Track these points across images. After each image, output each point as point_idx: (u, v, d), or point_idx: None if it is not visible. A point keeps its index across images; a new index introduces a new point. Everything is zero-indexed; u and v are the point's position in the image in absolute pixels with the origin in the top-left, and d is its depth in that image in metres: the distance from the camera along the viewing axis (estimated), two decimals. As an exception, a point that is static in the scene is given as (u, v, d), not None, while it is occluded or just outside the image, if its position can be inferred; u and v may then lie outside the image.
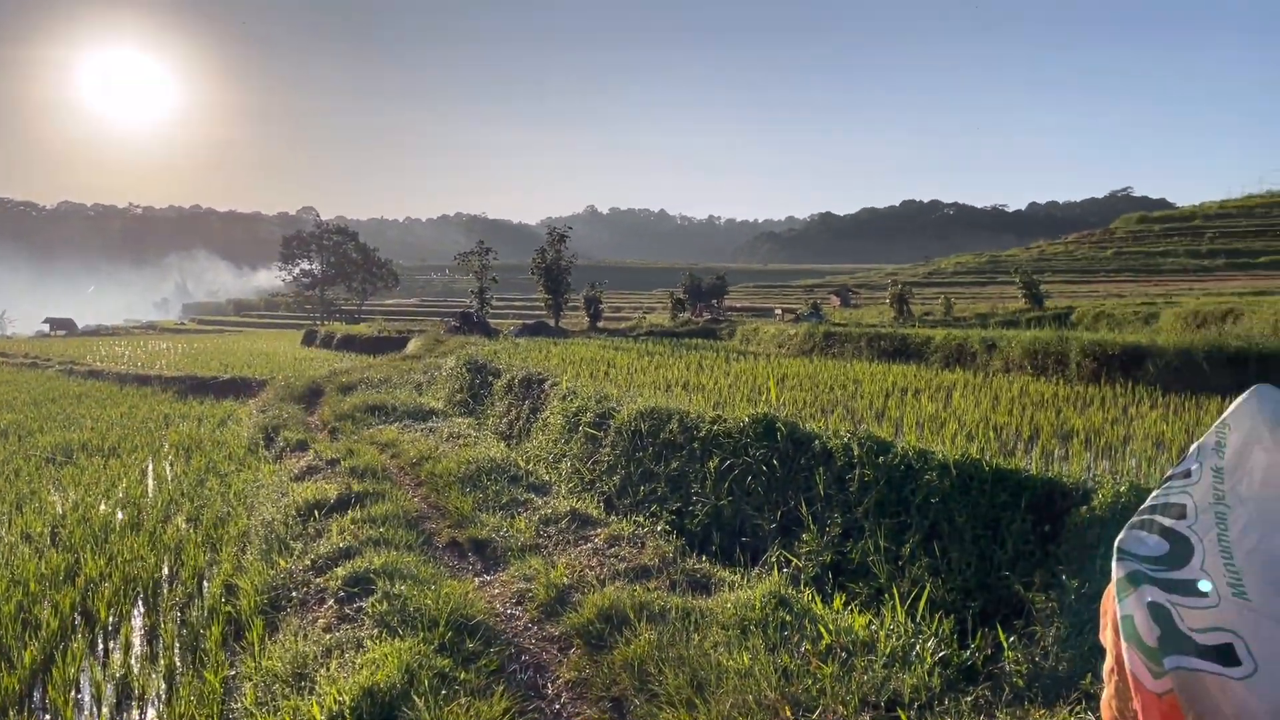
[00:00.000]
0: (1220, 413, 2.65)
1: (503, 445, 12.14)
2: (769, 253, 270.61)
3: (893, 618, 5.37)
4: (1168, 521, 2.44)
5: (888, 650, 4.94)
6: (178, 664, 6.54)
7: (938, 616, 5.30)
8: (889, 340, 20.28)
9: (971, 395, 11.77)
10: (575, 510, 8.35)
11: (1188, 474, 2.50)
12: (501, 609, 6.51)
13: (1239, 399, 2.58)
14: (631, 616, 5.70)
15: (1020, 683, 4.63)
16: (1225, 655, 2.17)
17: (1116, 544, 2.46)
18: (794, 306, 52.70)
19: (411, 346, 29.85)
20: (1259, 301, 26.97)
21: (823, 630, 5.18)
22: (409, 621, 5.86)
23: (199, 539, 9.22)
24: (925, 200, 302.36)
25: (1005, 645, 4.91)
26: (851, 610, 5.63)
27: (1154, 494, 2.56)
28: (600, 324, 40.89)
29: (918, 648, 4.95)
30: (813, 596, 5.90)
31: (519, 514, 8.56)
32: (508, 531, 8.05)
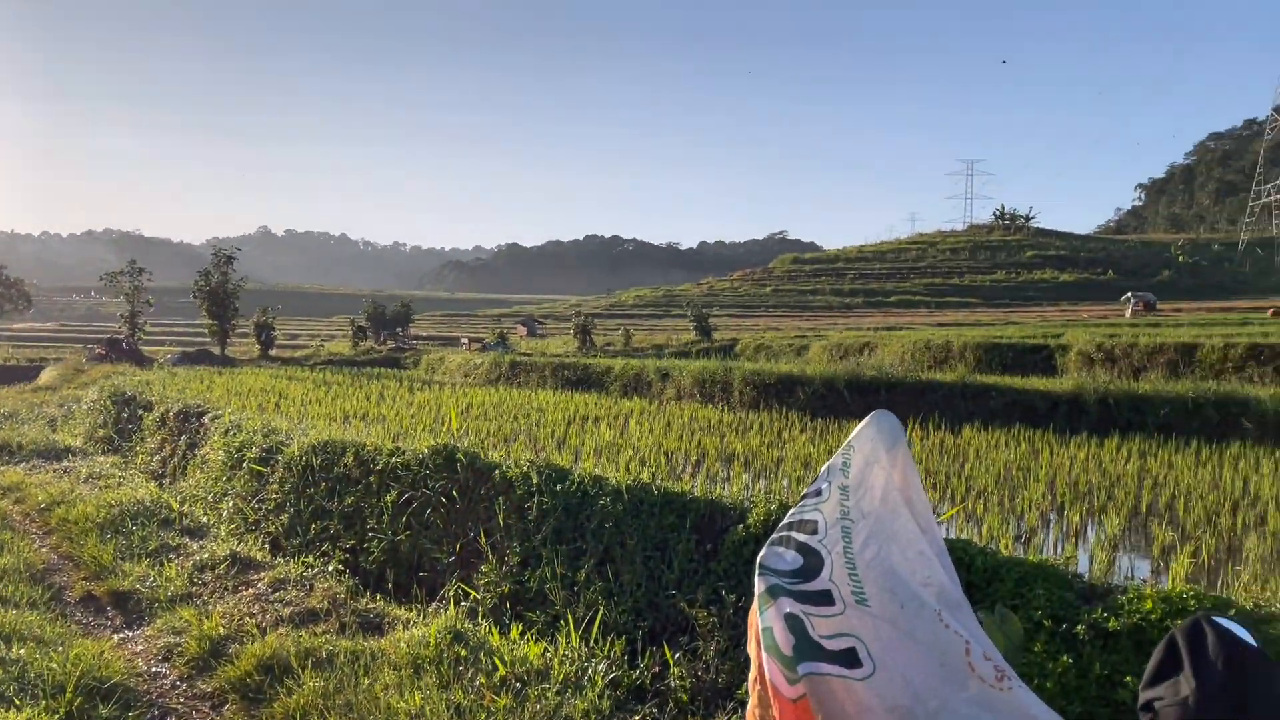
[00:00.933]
0: (850, 435, 2.93)
1: (154, 485, 11.02)
2: (456, 281, 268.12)
3: (567, 643, 5.44)
4: (802, 537, 2.65)
5: (561, 676, 4.98)
6: None
7: (610, 639, 5.44)
8: (572, 369, 20.85)
9: (647, 422, 12.33)
10: (236, 553, 7.72)
11: (819, 492, 2.73)
12: (145, 667, 5.86)
13: (861, 423, 2.87)
14: (295, 665, 5.34)
15: (684, 697, 4.86)
16: (849, 658, 2.37)
17: (758, 560, 2.64)
18: (481, 336, 52.60)
19: (45, 376, 26.61)
20: (890, 336, 30.67)
21: (498, 662, 5.14)
22: (29, 689, 5.12)
23: None
24: (607, 235, 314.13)
25: (671, 662, 5.13)
26: (528, 639, 5.64)
27: (791, 511, 2.77)
28: (273, 352, 38.43)
29: (590, 671, 5.04)
30: (490, 628, 5.85)
31: (170, 561, 7.78)
32: (155, 581, 7.27)
